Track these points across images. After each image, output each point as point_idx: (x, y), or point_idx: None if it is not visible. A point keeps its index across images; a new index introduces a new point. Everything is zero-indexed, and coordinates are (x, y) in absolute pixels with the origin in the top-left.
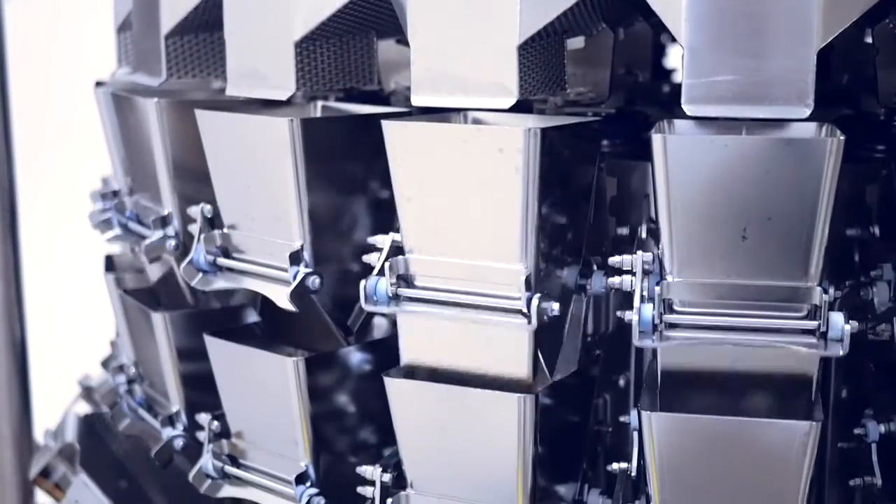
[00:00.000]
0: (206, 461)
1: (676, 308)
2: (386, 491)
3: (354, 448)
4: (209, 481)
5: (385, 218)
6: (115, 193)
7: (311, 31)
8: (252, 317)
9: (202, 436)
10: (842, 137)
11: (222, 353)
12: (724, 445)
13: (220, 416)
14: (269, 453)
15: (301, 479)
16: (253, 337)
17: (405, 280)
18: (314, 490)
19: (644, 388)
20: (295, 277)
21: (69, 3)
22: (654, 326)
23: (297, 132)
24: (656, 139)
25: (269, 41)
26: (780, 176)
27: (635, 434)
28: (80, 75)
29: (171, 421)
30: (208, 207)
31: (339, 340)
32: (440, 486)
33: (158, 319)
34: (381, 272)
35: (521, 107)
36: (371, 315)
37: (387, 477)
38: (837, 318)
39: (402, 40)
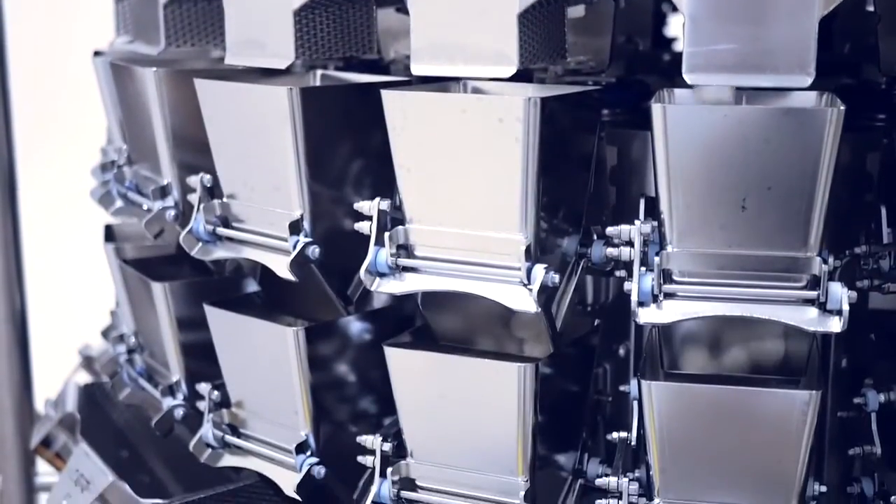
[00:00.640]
0: (207, 431)
1: (676, 278)
2: (386, 460)
3: (354, 417)
4: (209, 451)
5: (385, 187)
6: (114, 164)
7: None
8: (252, 286)
9: (202, 405)
10: (842, 107)
11: (222, 323)
12: (724, 415)
13: (220, 386)
14: (270, 423)
15: (301, 448)
16: (253, 306)
17: (405, 250)
18: (314, 459)
19: (644, 358)
20: (295, 247)
21: None
22: (654, 296)
23: (297, 101)
24: (656, 109)
25: (268, 9)
26: (781, 145)
27: (635, 403)
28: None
29: (171, 390)
30: (208, 177)
31: (338, 310)
32: (440, 455)
33: (158, 289)
34: (379, 241)
35: (521, 76)
36: None
37: (387, 446)
38: (836, 288)
39: (402, 9)
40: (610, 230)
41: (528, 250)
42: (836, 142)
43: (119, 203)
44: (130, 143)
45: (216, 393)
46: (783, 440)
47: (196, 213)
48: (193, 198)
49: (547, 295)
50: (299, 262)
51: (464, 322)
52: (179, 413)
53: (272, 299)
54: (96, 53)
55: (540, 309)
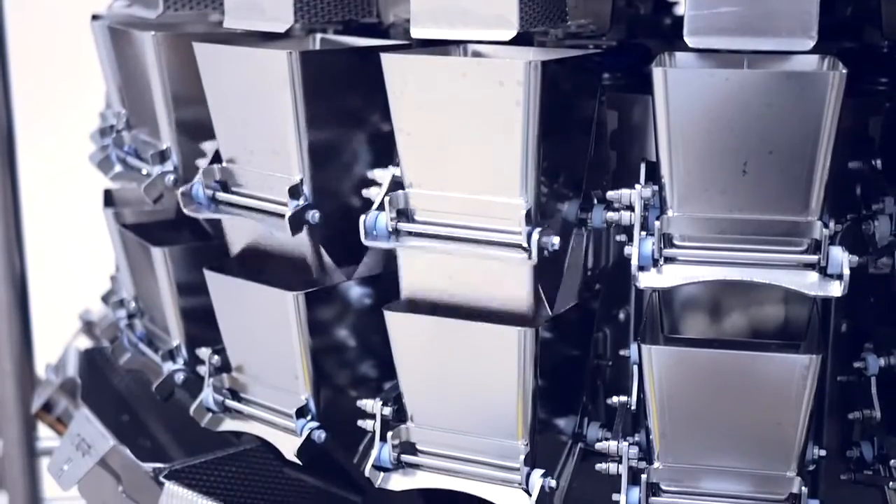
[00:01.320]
0: (207, 395)
1: (676, 242)
2: (386, 424)
3: (355, 382)
4: (210, 415)
5: (385, 152)
6: (113, 128)
7: None
8: None
9: (203, 370)
10: (844, 71)
11: (222, 288)
12: (723, 379)
13: (220, 351)
14: (270, 387)
15: (301, 412)
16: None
17: (405, 215)
18: (315, 423)
19: (644, 322)
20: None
21: None
22: (654, 261)
23: (296, 65)
24: (657, 72)
25: None
26: (782, 109)
27: (635, 368)
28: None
29: (171, 355)
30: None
31: (337, 276)
32: (440, 420)
33: (158, 254)
34: (382, 207)
35: (521, 39)
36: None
37: (387, 410)
38: (837, 252)
39: None
40: (610, 194)
41: (528, 214)
42: (837, 105)
43: (118, 168)
44: (129, 108)
45: (216, 357)
46: (783, 404)
47: (195, 178)
48: (201, 162)
49: (547, 259)
50: (297, 221)
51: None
52: (180, 378)
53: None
54: (94, 17)
55: (539, 272)
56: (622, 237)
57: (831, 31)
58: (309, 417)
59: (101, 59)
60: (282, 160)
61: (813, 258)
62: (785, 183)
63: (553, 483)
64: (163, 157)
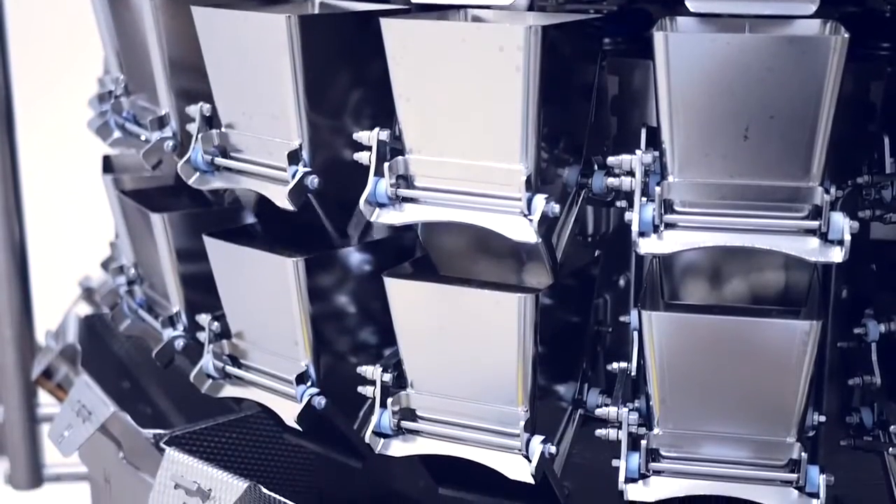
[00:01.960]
0: (207, 361)
1: (677, 208)
2: (386, 390)
3: (355, 348)
4: (210, 381)
5: (384, 117)
6: (111, 94)
7: None
8: (252, 217)
9: (203, 336)
10: (846, 35)
11: (222, 254)
12: (724, 345)
13: (220, 317)
14: (270, 353)
15: (301, 378)
16: (252, 237)
17: (405, 181)
18: (315, 390)
19: (644, 288)
20: (293, 177)
21: None
22: (655, 226)
23: (295, 29)
24: (658, 37)
25: None
26: (783, 74)
27: (635, 334)
28: None
29: (171, 322)
30: (207, 106)
31: (337, 241)
32: (440, 386)
33: (157, 220)
34: (378, 172)
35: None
36: None
37: (387, 377)
38: (838, 218)
39: None
40: (611, 160)
41: (528, 180)
42: (839, 70)
43: (117, 134)
44: (128, 73)
45: (216, 324)
46: (783, 370)
47: (194, 143)
48: (192, 127)
49: (547, 225)
50: (298, 192)
51: (464, 253)
52: (180, 344)
53: (272, 230)
54: None
55: (540, 239)
56: (622, 203)
57: None
58: (309, 384)
59: (99, 25)
60: (281, 125)
61: (814, 224)
62: (786, 148)
63: (553, 449)
64: (161, 122)
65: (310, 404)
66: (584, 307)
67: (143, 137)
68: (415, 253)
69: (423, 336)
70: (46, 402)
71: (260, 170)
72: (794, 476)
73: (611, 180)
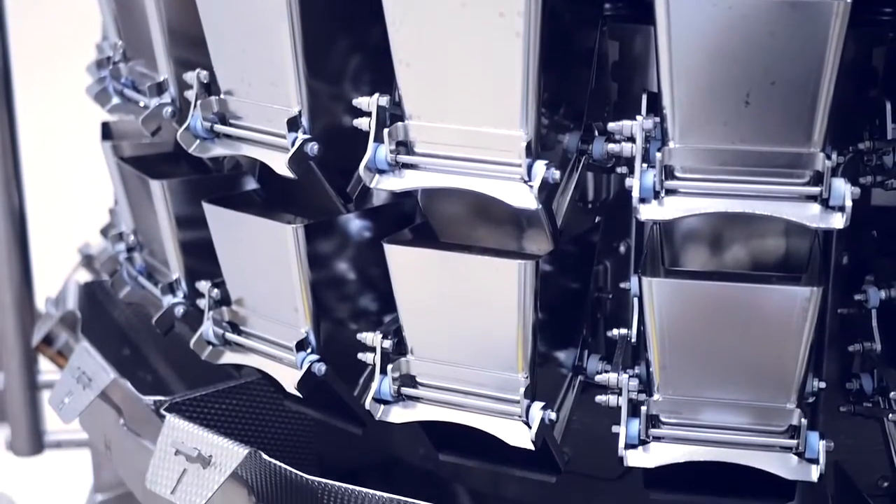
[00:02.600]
0: (207, 328)
1: (677, 174)
2: (386, 357)
3: (355, 315)
4: (210, 348)
5: (384, 83)
6: (110, 60)
7: None
8: (251, 184)
9: (202, 303)
10: (848, 0)
11: (221, 221)
12: (724, 311)
13: (220, 284)
14: (270, 320)
15: (301, 345)
16: (252, 204)
17: (405, 147)
18: (315, 356)
19: (645, 255)
20: (293, 143)
21: None
22: (655, 193)
23: None
24: (659, 2)
25: None
26: (785, 39)
27: (635, 300)
28: None
29: (171, 288)
30: (205, 73)
31: (338, 207)
32: (440, 353)
33: (156, 187)
34: (378, 138)
35: None
36: None
37: (387, 343)
38: (839, 183)
39: None
40: (611, 126)
41: (528, 146)
42: (841, 35)
43: (115, 100)
44: (126, 39)
45: (216, 291)
46: (783, 336)
47: (193, 110)
48: (190, 94)
49: (547, 192)
50: (298, 159)
51: (464, 219)
52: (179, 311)
53: (272, 197)
54: None
55: (540, 206)
56: (623, 169)
57: None
58: (309, 350)
59: None
60: (280, 91)
61: (815, 190)
62: (787, 114)
63: (553, 415)
64: (160, 88)
65: (310, 371)
66: (585, 273)
67: (141, 104)
68: (415, 219)
69: (423, 302)
70: (47, 368)
71: (260, 136)
72: (793, 442)
73: (611, 146)
